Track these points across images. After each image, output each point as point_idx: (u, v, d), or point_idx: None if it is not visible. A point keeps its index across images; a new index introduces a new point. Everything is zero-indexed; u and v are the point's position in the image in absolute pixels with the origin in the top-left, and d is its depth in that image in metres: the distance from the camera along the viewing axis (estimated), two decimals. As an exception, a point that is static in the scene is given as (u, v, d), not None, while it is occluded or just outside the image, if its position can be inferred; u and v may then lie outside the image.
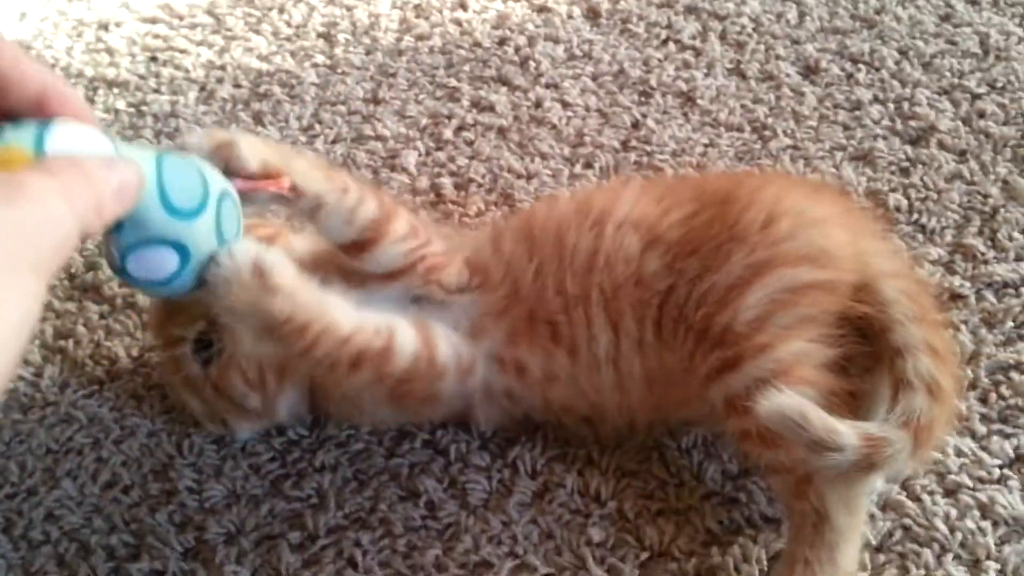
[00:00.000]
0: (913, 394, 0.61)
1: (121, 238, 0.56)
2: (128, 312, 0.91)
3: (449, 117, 1.07)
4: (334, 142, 1.06)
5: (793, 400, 0.58)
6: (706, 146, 1.00)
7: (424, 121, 1.08)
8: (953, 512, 0.68)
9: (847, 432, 0.57)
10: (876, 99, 1.02)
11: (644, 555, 0.69)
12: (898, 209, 0.90)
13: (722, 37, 1.12)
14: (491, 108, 1.08)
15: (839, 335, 0.65)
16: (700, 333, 0.66)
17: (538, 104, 1.07)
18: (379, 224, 0.70)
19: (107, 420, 0.82)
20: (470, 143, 1.04)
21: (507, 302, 0.73)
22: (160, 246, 0.57)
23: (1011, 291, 0.82)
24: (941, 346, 0.65)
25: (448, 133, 1.06)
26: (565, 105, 1.07)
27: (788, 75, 1.06)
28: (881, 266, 0.68)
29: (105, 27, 1.27)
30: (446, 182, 1.00)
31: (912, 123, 0.98)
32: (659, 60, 1.10)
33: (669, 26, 1.15)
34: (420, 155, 1.04)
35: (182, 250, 0.58)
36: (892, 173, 0.94)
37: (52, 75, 0.53)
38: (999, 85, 1.01)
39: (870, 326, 0.66)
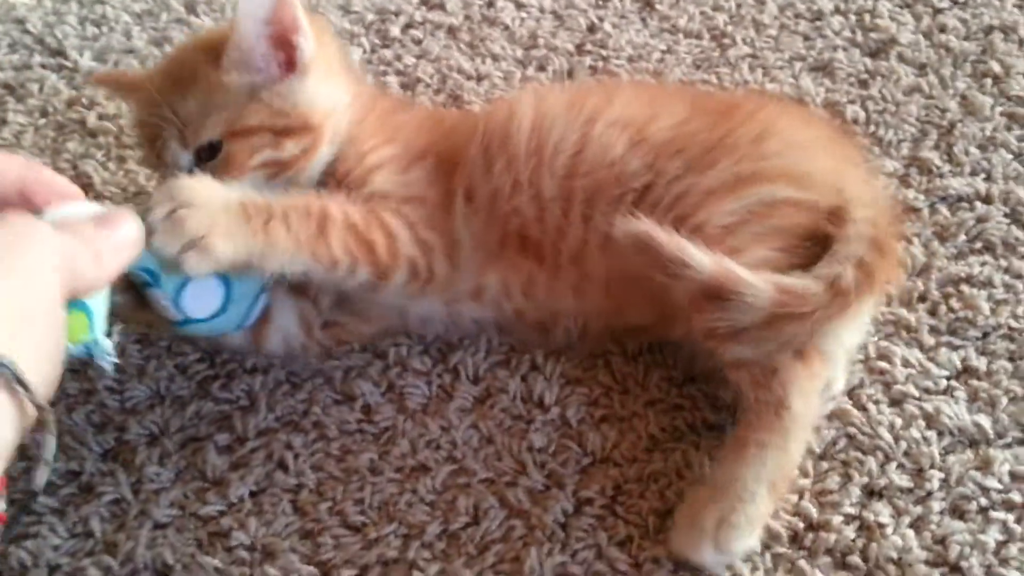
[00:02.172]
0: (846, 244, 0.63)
1: (164, 287, 0.61)
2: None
3: (396, 14, 1.02)
4: (273, 36, 1.00)
5: (645, 223, 0.61)
6: (664, 52, 0.97)
7: (370, 17, 1.02)
8: (898, 421, 0.67)
9: (699, 256, 0.60)
10: (837, 10, 0.99)
11: (586, 461, 0.67)
12: (855, 121, 0.88)
13: (683, -59, 1.08)
14: (441, 6, 1.03)
15: (802, 248, 0.65)
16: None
17: (490, 3, 1.03)
18: (376, 283, 0.67)
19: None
20: (418, 42, 1.00)
21: (482, 230, 0.70)
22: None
23: (965, 205, 0.80)
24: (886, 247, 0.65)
25: (395, 30, 1.01)
26: (519, 6, 1.02)
27: (749, -18, 1.02)
28: (855, 193, 0.67)
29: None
30: (392, 81, 0.96)
31: (873, 35, 0.96)
32: (617, -38, 1.06)
33: (628, -72, 1.10)
34: (365, 52, 0.99)
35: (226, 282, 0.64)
36: (851, 85, 0.91)
37: (26, 163, 0.53)
38: (961, 0, 0.99)
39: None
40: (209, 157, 0.66)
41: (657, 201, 0.67)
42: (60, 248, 0.46)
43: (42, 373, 0.43)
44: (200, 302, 0.63)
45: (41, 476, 0.45)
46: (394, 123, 0.73)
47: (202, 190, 0.60)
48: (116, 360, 0.55)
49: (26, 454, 0.47)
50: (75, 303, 0.51)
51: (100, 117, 0.94)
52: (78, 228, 0.49)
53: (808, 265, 0.64)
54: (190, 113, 0.66)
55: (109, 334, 0.54)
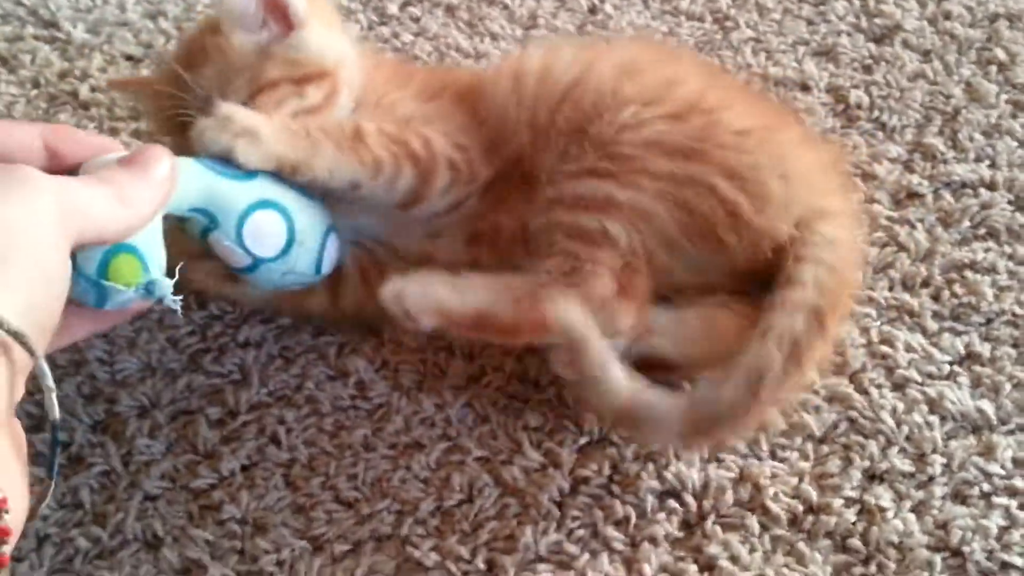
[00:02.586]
0: (727, 383, 0.59)
1: (223, 226, 0.59)
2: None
3: (395, -10, 1.01)
4: (270, 10, 0.99)
5: (579, 320, 0.58)
6: (665, 35, 0.96)
7: (368, -6, 1.01)
8: (900, 406, 0.66)
9: (622, 382, 0.58)
10: (842, -5, 0.98)
11: (582, 440, 0.66)
12: (859, 106, 0.87)
13: (687, -76, 1.07)
14: (440, -16, 1.02)
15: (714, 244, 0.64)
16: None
17: (491, -18, 1.01)
18: (419, 188, 0.66)
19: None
20: (416, 19, 0.98)
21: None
22: (257, 211, 0.60)
23: (969, 191, 0.79)
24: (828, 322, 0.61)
25: (393, 8, 1.00)
26: (519, -15, 1.01)
27: (753, -34, 1.01)
28: (818, 229, 0.63)
29: None
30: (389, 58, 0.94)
31: (877, 21, 0.95)
32: (620, -56, 1.05)
33: (632, -90, 1.09)
34: (363, 29, 0.97)
35: (275, 206, 0.61)
36: (855, 70, 0.90)
37: (50, 127, 0.52)
38: (967, -12, 0.98)
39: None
40: None
41: (601, 137, 0.65)
42: (58, 193, 0.44)
43: (33, 320, 0.42)
44: (263, 239, 0.60)
45: (50, 404, 0.44)
46: (405, 71, 0.74)
47: (245, 110, 0.62)
48: (180, 300, 0.54)
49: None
50: (120, 246, 0.51)
51: (93, 89, 0.93)
52: (98, 171, 0.48)
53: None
54: (210, 82, 0.66)
55: (172, 275, 0.54)
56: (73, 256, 0.47)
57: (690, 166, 0.63)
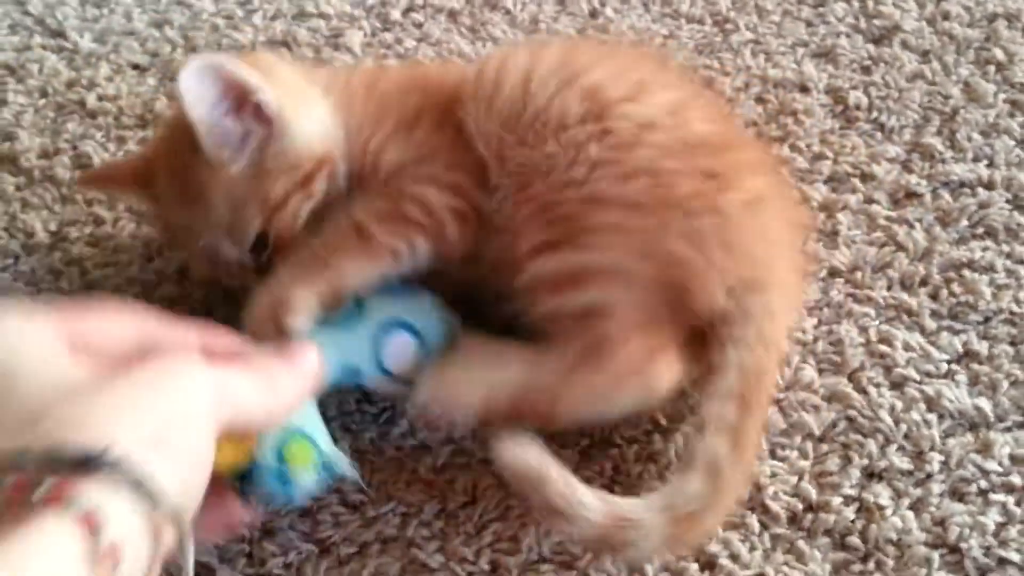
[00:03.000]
0: (690, 475, 0.58)
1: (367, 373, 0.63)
2: (46, 185, 0.85)
3: (397, -3, 1.02)
4: (273, 18, 1.00)
5: (530, 452, 0.57)
6: (666, 37, 0.96)
7: (371, 0, 1.02)
8: (899, 404, 0.67)
9: (592, 504, 0.56)
10: (840, -4, 0.99)
11: (584, 442, 0.66)
12: (858, 107, 0.87)
13: (686, -73, 1.08)
14: (442, -10, 1.03)
15: None
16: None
17: (492, -13, 1.02)
18: (436, 249, 0.65)
19: (22, 295, 0.77)
20: (419, 25, 0.99)
21: None
22: (391, 332, 0.63)
23: (967, 191, 0.80)
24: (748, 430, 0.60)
25: (396, 14, 1.00)
26: (520, -10, 1.02)
27: (752, -32, 1.02)
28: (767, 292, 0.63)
29: None
30: (392, 65, 0.95)
31: (876, 22, 0.95)
32: (620, -52, 1.05)
33: (632, -86, 1.10)
34: (365, 35, 0.98)
35: (407, 326, 0.64)
36: (853, 71, 0.91)
37: (194, 323, 0.53)
38: (965, -12, 0.98)
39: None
40: (262, 246, 0.66)
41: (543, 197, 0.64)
42: (214, 380, 0.47)
43: (183, 503, 0.43)
44: (399, 358, 0.64)
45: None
46: (378, 97, 0.71)
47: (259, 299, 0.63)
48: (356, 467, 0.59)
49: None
50: (289, 433, 0.55)
51: (100, 98, 0.94)
52: (251, 360, 0.52)
53: None
54: (223, 218, 0.65)
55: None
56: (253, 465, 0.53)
57: (637, 218, 0.62)
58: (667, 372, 0.61)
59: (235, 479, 0.55)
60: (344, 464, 0.57)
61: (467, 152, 0.67)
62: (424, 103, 0.70)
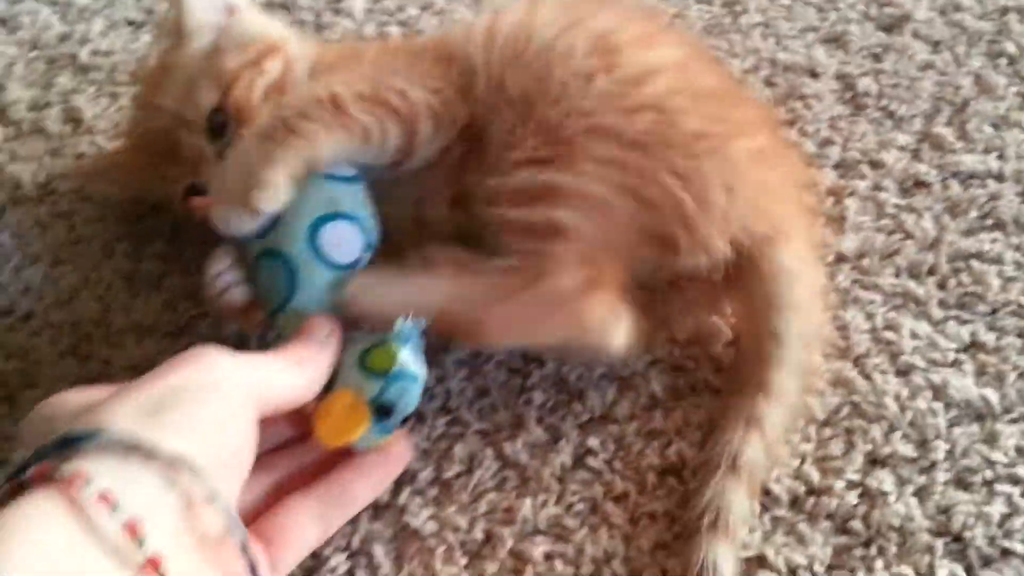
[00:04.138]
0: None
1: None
2: (36, 137, 0.83)
3: (402, -36, 1.00)
4: (274, -20, 0.98)
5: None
6: (673, 17, 0.95)
7: (375, -34, 1.00)
8: (904, 392, 0.66)
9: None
10: (853, -16, 0.98)
11: (584, 417, 0.65)
12: (868, 94, 0.86)
13: (698, -91, 1.06)
14: (448, -41, 1.01)
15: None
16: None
17: (499, -42, 1.00)
18: (407, 142, 0.64)
19: (8, 247, 0.75)
20: (423, -7, 0.97)
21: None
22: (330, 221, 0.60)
23: (977, 182, 0.79)
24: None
25: (400, -19, 0.98)
26: (528, -38, 1.00)
27: (764, -48, 1.01)
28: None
29: None
30: (394, 31, 0.93)
31: (888, 10, 0.94)
32: (631, -74, 1.04)
33: None
34: (367, 0, 0.96)
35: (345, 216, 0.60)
36: (864, 58, 0.90)
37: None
38: (978, -19, 0.97)
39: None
40: (221, 131, 0.65)
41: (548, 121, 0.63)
42: (238, 365, 0.49)
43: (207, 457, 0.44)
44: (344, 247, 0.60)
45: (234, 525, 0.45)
46: (355, 47, 0.73)
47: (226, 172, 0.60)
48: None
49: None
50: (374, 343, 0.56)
51: (93, 53, 0.92)
52: (269, 354, 0.54)
53: None
54: (177, 98, 0.66)
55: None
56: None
57: (635, 156, 0.60)
58: (601, 311, 0.58)
59: (376, 419, 0.55)
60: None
61: (448, 70, 0.66)
62: (401, 45, 0.74)
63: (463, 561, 0.58)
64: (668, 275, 0.64)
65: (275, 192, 0.57)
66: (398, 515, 0.60)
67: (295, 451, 0.57)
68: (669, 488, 0.61)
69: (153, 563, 0.39)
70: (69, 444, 0.41)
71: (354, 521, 0.59)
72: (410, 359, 0.56)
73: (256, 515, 0.53)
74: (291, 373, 0.52)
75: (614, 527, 0.59)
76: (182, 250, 0.74)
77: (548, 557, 0.59)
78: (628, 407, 0.65)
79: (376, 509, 0.60)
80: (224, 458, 0.45)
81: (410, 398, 0.56)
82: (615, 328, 0.59)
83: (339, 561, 0.58)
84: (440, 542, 0.58)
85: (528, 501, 0.60)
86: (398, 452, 0.58)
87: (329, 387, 0.55)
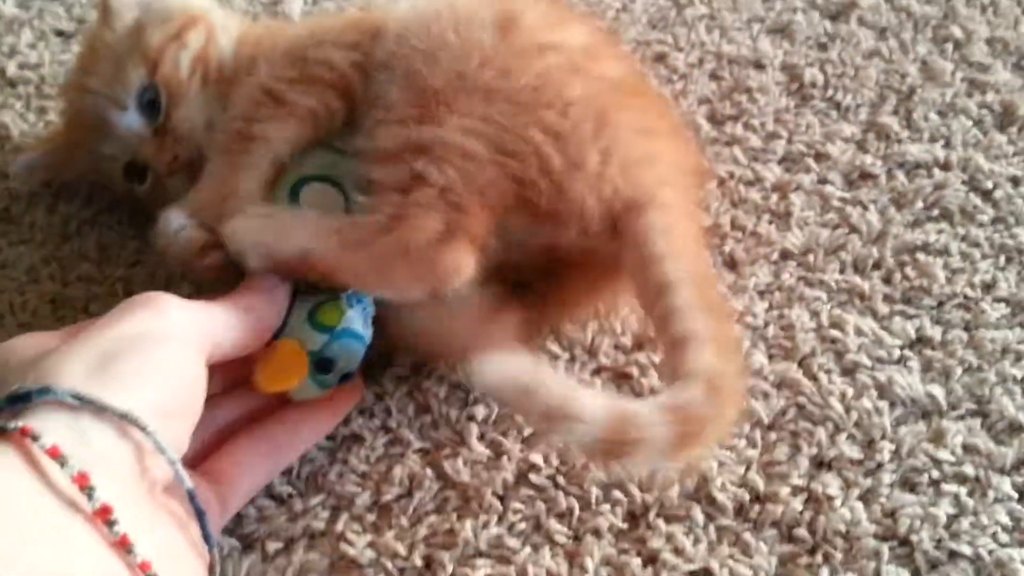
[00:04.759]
0: (688, 382, 0.53)
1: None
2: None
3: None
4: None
5: (516, 365, 0.51)
6: (618, 11, 0.93)
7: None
8: (850, 391, 0.65)
9: (594, 404, 0.50)
10: (797, -29, 0.96)
11: (527, 431, 0.64)
12: (813, 84, 0.85)
13: (641, -103, 1.04)
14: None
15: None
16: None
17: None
18: (350, 108, 0.65)
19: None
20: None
21: None
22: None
23: (923, 172, 0.78)
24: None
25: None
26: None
27: (708, -59, 0.99)
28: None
29: None
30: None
31: (833, -3, 0.93)
32: (572, -83, 1.02)
33: None
34: (306, 3, 0.94)
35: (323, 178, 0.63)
36: (810, 47, 0.89)
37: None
38: (923, -36, 0.96)
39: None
40: (153, 108, 0.66)
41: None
42: (184, 309, 0.51)
43: (155, 408, 0.46)
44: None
45: (180, 476, 0.47)
46: (280, 25, 0.74)
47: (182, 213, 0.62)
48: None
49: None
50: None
51: (20, 66, 0.89)
52: (218, 302, 0.54)
53: None
54: (106, 79, 0.67)
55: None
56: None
57: (505, 109, 0.59)
58: (455, 262, 0.56)
59: (314, 371, 0.57)
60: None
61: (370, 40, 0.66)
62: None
63: (403, 588, 0.57)
64: (554, 252, 0.62)
65: (249, 198, 0.60)
66: (335, 542, 0.58)
67: (243, 395, 0.59)
68: (614, 502, 0.60)
69: (103, 513, 0.41)
70: (19, 399, 0.43)
71: (288, 552, 0.58)
72: (358, 320, 0.58)
73: (205, 455, 0.55)
74: (239, 320, 0.53)
75: (557, 545, 0.58)
76: (109, 273, 0.72)
77: (490, 579, 0.57)
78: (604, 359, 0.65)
79: (312, 538, 0.58)
80: (174, 405, 0.47)
81: (352, 357, 0.58)
82: (462, 274, 0.57)
83: (276, 592, 0.57)
84: (379, 570, 0.57)
85: (469, 523, 0.59)
86: (347, 393, 0.61)
87: (278, 337, 0.57)
